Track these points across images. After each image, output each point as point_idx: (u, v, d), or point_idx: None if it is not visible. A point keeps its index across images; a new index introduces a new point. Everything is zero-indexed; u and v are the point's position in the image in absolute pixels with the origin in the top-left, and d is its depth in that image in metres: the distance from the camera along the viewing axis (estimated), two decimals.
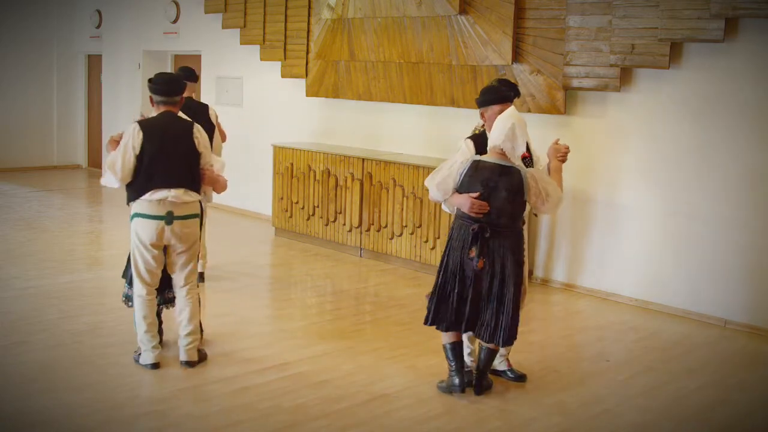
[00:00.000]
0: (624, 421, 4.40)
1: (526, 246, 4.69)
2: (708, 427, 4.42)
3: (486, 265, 4.41)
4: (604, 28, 6.69)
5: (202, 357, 5.02)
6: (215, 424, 4.13)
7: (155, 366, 4.82)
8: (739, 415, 4.61)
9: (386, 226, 7.93)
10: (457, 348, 4.63)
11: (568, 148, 4.69)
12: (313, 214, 8.66)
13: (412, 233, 7.68)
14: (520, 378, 4.91)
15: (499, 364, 4.91)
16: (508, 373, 4.92)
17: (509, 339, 4.48)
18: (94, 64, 13.81)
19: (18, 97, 13.44)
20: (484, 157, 4.48)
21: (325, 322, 6.04)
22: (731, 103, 6.23)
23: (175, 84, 4.85)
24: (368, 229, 8.12)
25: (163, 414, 4.22)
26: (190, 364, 4.88)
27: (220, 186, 4.95)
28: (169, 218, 4.66)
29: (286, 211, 8.98)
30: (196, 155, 4.77)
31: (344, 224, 8.34)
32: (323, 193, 8.53)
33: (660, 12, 6.33)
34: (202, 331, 5.12)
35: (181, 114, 5.06)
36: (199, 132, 4.82)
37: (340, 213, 8.37)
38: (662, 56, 6.37)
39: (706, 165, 6.40)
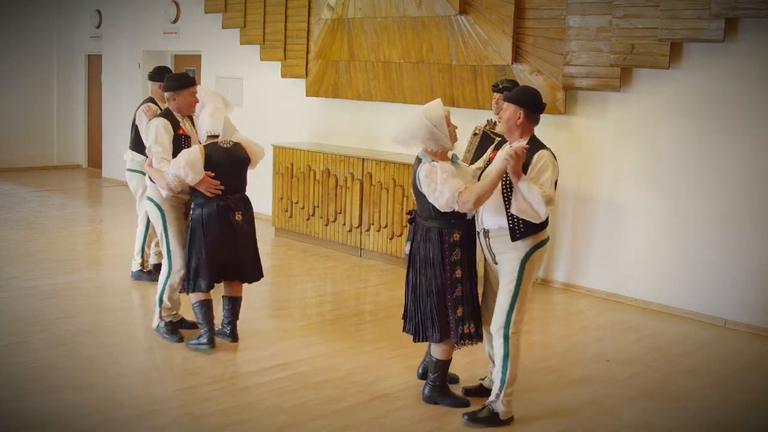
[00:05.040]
0: (624, 421, 4.40)
1: (540, 254, 4.17)
2: (708, 427, 4.42)
3: (410, 252, 4.45)
4: (604, 28, 6.70)
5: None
6: (215, 424, 4.13)
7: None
8: (739, 415, 4.61)
9: (386, 226, 7.93)
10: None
11: (519, 151, 3.89)
12: (313, 214, 8.66)
13: None
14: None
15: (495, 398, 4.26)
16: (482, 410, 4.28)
17: (415, 334, 4.50)
18: (94, 64, 13.81)
19: (18, 97, 13.44)
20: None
21: (325, 322, 6.04)
22: (731, 103, 6.23)
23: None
24: (368, 229, 8.11)
25: (163, 414, 4.22)
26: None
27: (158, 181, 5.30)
28: None
29: (286, 211, 8.98)
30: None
31: (344, 224, 8.34)
32: (323, 193, 8.53)
33: (660, 12, 6.33)
34: (161, 303, 5.34)
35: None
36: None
37: (340, 213, 8.37)
38: (662, 56, 6.38)
39: (705, 165, 6.40)
